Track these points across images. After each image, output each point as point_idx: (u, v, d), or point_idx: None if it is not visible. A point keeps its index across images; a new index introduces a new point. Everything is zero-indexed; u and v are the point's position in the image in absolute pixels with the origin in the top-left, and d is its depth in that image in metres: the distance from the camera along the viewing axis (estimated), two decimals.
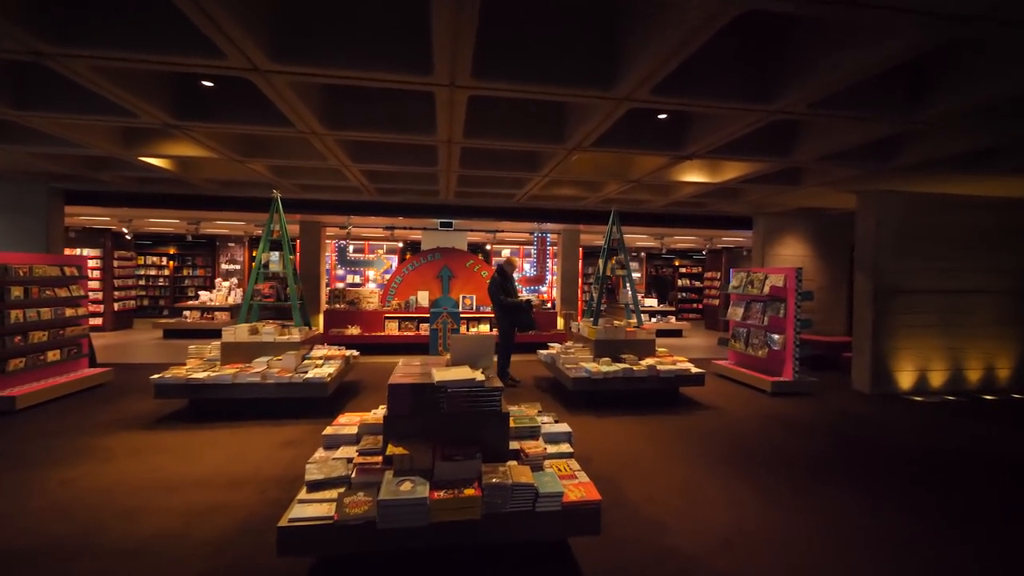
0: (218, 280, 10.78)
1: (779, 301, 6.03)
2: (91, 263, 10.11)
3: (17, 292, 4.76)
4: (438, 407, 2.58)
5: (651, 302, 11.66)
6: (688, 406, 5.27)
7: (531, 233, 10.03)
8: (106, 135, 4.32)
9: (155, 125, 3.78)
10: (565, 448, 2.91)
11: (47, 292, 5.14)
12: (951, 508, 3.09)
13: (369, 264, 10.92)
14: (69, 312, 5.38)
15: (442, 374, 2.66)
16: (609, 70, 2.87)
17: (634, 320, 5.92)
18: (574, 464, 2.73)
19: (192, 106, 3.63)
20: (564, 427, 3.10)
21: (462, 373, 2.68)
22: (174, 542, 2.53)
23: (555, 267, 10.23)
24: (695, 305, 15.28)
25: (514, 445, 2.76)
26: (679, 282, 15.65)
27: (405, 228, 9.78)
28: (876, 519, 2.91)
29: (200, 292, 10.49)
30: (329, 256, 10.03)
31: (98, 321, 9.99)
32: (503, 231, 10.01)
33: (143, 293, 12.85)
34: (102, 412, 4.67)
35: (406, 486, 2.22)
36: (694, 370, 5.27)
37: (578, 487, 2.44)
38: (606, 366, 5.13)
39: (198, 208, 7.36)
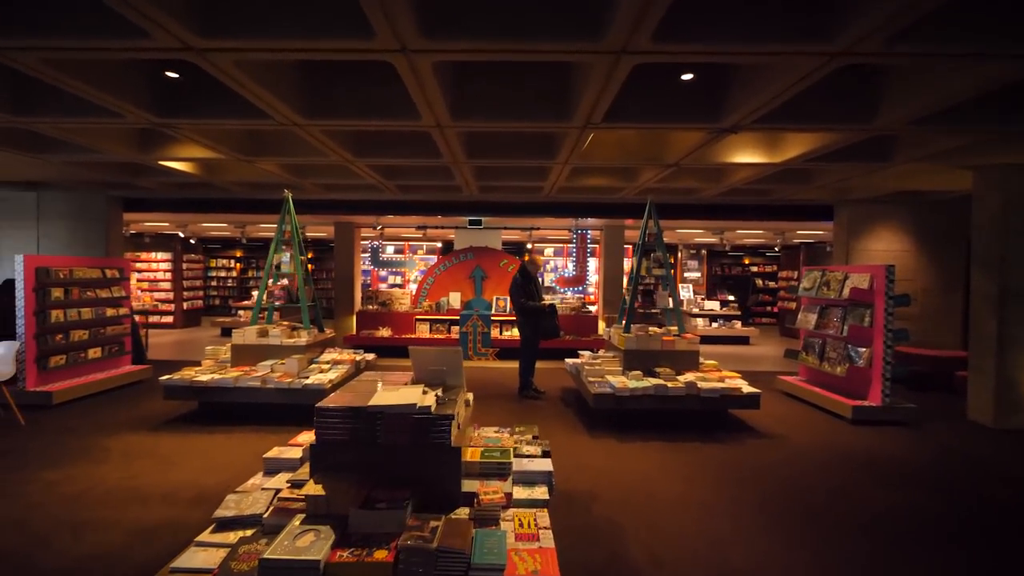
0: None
1: (863, 306, 4.86)
2: (163, 265, 11.09)
3: (58, 293, 5.08)
4: (374, 437, 2.13)
5: (712, 304, 10.41)
6: (737, 433, 4.36)
7: (570, 230, 9.32)
8: (114, 139, 4.40)
9: (145, 125, 3.73)
10: (540, 493, 2.31)
11: (88, 293, 5.45)
12: None
13: (401, 265, 10.86)
14: (110, 312, 5.69)
15: (381, 396, 2.19)
16: (594, 11, 2.23)
17: (675, 328, 5.08)
18: (544, 518, 2.12)
19: (171, 103, 3.51)
20: (546, 464, 2.50)
21: (407, 396, 2.19)
22: (104, 566, 2.36)
23: (599, 267, 9.43)
24: (770, 308, 13.56)
25: (474, 487, 2.23)
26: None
27: (438, 228, 9.53)
28: None
29: (254, 292, 11.08)
30: (368, 257, 10.08)
31: (169, 319, 10.92)
32: (539, 228, 9.41)
33: (214, 293, 13.94)
34: (123, 410, 4.82)
35: (305, 539, 1.77)
36: (746, 389, 4.35)
37: (534, 555, 1.85)
38: (635, 381, 4.39)
39: (236, 211, 7.61)
